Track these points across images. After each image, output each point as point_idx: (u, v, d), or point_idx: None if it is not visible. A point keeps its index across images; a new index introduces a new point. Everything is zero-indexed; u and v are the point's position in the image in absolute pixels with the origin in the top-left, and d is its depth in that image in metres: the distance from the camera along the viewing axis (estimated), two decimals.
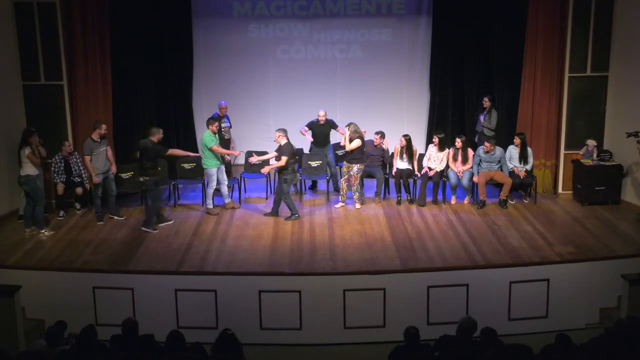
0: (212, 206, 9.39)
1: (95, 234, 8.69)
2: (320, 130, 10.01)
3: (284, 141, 8.94)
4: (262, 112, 11.44)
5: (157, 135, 8.73)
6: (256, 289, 7.30)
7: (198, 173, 9.98)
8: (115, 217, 9.21)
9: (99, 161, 9.03)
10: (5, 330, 6.73)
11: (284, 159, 8.86)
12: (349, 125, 9.40)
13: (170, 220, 8.99)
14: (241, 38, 11.28)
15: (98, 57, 9.69)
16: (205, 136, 9.31)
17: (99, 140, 9.05)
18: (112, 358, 5.31)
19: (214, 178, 9.34)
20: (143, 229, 8.68)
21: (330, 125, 10.05)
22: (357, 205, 9.50)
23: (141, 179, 8.80)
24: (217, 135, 9.43)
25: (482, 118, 10.31)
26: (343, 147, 9.52)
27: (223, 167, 9.49)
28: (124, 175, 9.74)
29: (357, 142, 9.26)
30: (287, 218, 9.03)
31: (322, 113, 9.95)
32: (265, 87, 11.47)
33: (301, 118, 11.21)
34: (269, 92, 11.49)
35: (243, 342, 5.34)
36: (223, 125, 10.08)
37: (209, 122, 9.40)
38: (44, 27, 9.40)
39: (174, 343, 5.32)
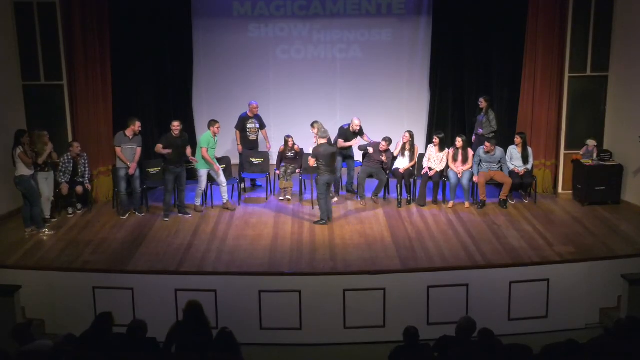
0: (199, 204, 9.53)
1: (95, 234, 8.69)
2: (352, 138, 9.89)
3: (321, 142, 8.91)
4: (262, 112, 11.34)
5: (171, 127, 9.14)
6: (256, 289, 7.30)
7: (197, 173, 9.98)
8: (137, 213, 9.34)
9: (126, 157, 9.20)
10: (5, 330, 6.72)
11: (312, 160, 8.98)
12: (313, 124, 9.48)
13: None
14: (241, 38, 11.27)
15: (98, 57, 9.71)
16: (202, 136, 9.41)
17: (131, 137, 9.17)
18: (113, 356, 5.32)
19: (204, 179, 9.44)
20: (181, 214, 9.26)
21: (359, 132, 9.95)
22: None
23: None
24: (216, 137, 9.45)
25: (480, 120, 10.28)
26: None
27: (220, 172, 9.56)
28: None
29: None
30: (316, 222, 8.96)
31: (357, 122, 9.77)
32: (265, 87, 11.46)
33: (301, 118, 11.23)
34: (269, 92, 11.48)
35: (243, 342, 5.35)
36: (249, 125, 10.14)
37: (211, 123, 9.44)
38: (44, 27, 9.40)
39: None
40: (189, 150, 9.36)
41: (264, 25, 11.24)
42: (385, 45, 11.34)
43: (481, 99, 10.25)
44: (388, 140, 9.69)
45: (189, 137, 11.28)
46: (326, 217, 8.92)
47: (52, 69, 9.53)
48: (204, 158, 9.31)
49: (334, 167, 8.98)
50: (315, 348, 7.28)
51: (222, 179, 9.53)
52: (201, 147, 9.31)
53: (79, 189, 9.38)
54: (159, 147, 9.07)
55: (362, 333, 7.34)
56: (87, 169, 9.43)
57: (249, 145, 10.21)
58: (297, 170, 10.09)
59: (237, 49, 11.29)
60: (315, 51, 11.37)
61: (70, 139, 9.71)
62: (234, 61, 11.32)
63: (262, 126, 10.40)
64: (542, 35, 9.79)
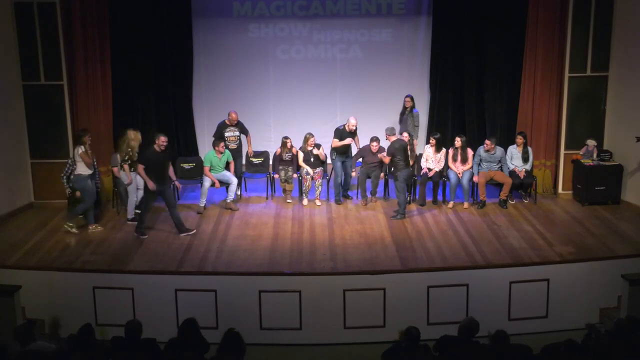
0: (202, 204, 9.51)
1: (95, 234, 8.68)
2: (342, 138, 9.81)
3: (392, 139, 9.07)
4: (262, 112, 11.42)
5: (156, 141, 8.40)
6: (256, 289, 7.30)
7: (198, 173, 9.99)
8: (137, 213, 9.26)
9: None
10: (5, 330, 6.73)
11: (387, 157, 9.04)
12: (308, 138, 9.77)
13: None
14: (241, 38, 11.26)
15: (98, 57, 9.71)
16: (206, 155, 9.63)
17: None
18: (112, 357, 5.32)
19: (207, 179, 9.46)
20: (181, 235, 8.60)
21: (355, 133, 9.92)
22: (318, 203, 9.79)
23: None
24: (222, 156, 9.54)
25: (405, 119, 10.46)
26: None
27: (225, 172, 9.60)
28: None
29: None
30: (393, 217, 9.06)
31: (354, 122, 9.71)
32: (265, 87, 11.45)
33: (301, 118, 11.24)
34: (269, 92, 11.47)
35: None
36: (227, 134, 9.93)
37: (214, 143, 9.60)
38: (44, 27, 9.41)
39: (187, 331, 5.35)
40: (171, 170, 8.83)
41: (264, 25, 11.24)
42: (385, 45, 11.34)
43: (406, 98, 10.45)
44: (377, 140, 9.68)
45: (189, 135, 11.31)
46: (404, 212, 9.02)
47: (52, 69, 9.53)
48: (206, 175, 9.51)
49: (409, 161, 9.15)
50: (315, 348, 7.28)
51: (232, 179, 9.58)
52: (204, 166, 9.51)
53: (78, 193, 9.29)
54: (141, 169, 8.34)
55: (362, 333, 7.34)
56: (96, 170, 9.39)
57: (232, 154, 9.88)
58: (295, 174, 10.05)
59: (237, 49, 11.28)
60: (315, 51, 11.36)
61: (70, 139, 9.72)
62: (234, 61, 11.31)
63: (245, 132, 10.15)
64: (542, 35, 9.80)
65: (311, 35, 11.30)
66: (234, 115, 9.96)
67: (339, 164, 9.86)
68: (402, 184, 9.02)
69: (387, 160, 9.17)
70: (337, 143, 9.78)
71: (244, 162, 10.36)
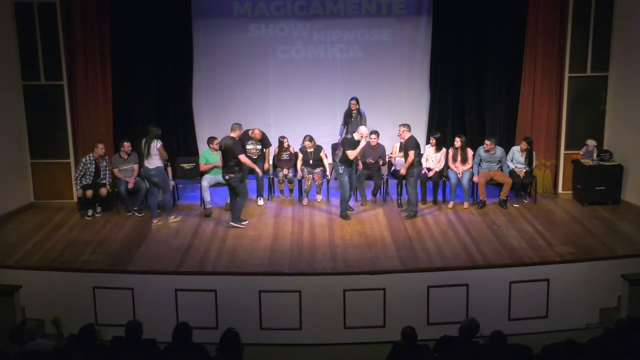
0: (209, 205, 9.48)
1: (95, 234, 8.69)
2: (355, 148, 9.26)
3: (407, 135, 9.06)
4: (262, 112, 11.41)
5: (237, 132, 8.77)
6: (256, 289, 7.30)
7: (198, 173, 9.98)
8: (136, 214, 9.36)
9: (124, 176, 9.45)
10: (5, 330, 6.73)
11: (411, 153, 8.98)
12: (309, 140, 9.85)
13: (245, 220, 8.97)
14: (241, 38, 11.26)
15: (98, 57, 9.72)
16: (201, 153, 9.77)
17: (126, 157, 9.37)
18: (112, 357, 5.32)
19: (205, 180, 9.46)
20: (231, 224, 8.81)
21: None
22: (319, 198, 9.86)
23: (227, 177, 8.79)
24: (218, 152, 9.45)
25: (356, 121, 10.40)
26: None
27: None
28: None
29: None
30: (405, 216, 9.10)
31: (366, 132, 9.13)
32: (265, 87, 11.44)
33: (301, 118, 11.24)
34: (269, 92, 11.46)
35: (243, 342, 5.33)
36: (249, 146, 9.73)
37: (209, 140, 9.69)
38: (44, 27, 9.41)
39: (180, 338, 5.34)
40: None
41: (264, 25, 11.23)
42: (385, 45, 11.33)
43: (352, 101, 10.45)
44: (376, 133, 9.67)
45: (190, 135, 11.31)
46: (416, 209, 9.10)
47: (52, 69, 9.54)
48: (202, 170, 9.66)
49: (421, 157, 9.26)
50: (315, 348, 7.28)
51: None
52: (200, 162, 9.63)
53: (104, 190, 9.31)
54: (245, 158, 8.74)
55: (362, 333, 7.34)
56: (107, 170, 9.39)
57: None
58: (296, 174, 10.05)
59: (237, 49, 11.28)
60: (315, 51, 11.36)
61: (70, 139, 9.72)
62: (234, 61, 11.31)
63: (266, 145, 9.96)
64: (542, 35, 9.80)
65: (311, 35, 11.30)
66: (257, 132, 9.79)
67: (346, 178, 9.16)
68: (416, 181, 9.04)
69: (399, 155, 9.16)
70: (353, 153, 9.01)
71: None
